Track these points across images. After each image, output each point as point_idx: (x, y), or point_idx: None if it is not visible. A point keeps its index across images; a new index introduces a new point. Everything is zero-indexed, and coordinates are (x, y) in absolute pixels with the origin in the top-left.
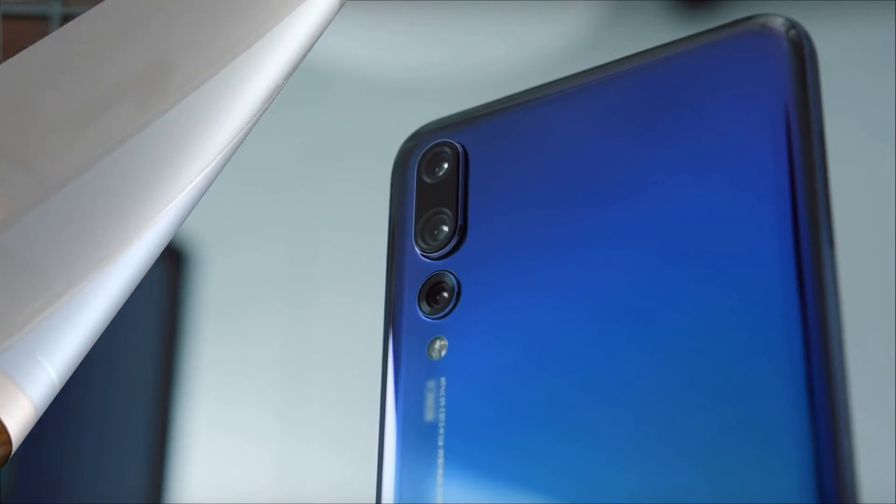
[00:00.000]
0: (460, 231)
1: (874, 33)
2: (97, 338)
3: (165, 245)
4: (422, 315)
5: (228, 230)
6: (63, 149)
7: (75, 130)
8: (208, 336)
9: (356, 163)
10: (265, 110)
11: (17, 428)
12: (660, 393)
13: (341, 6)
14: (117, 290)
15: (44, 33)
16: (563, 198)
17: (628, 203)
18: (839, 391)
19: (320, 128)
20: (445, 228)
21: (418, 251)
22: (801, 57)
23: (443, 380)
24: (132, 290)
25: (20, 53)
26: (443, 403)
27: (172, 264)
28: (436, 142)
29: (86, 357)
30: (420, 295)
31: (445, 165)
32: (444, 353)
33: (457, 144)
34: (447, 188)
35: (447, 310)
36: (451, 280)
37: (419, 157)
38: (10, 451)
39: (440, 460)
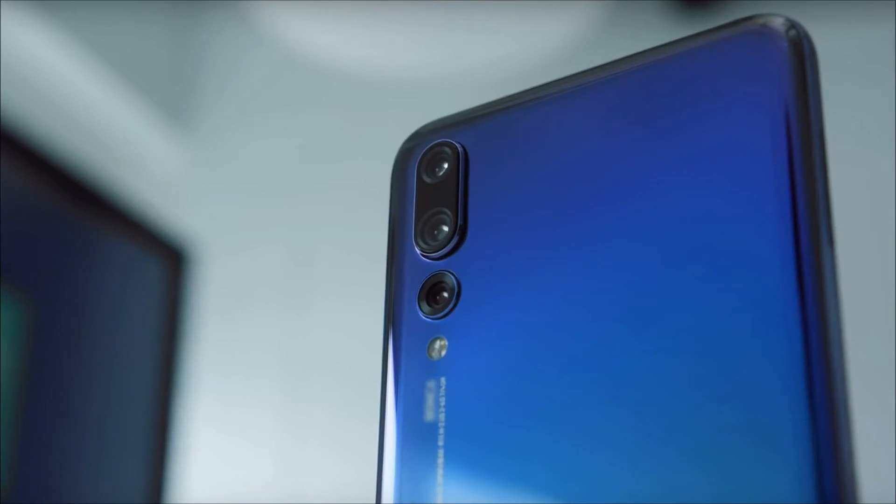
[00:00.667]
0: (460, 231)
1: (874, 33)
2: None
3: None
4: (422, 315)
5: (228, 230)
6: None
7: None
8: (208, 336)
9: (356, 162)
10: None
11: None
12: (660, 393)
13: None
14: None
15: None
16: (563, 198)
17: (629, 203)
18: (839, 391)
19: (320, 128)
20: (445, 228)
21: (418, 251)
22: (801, 57)
23: (443, 380)
24: None
25: None
26: (443, 403)
27: (172, 264)
28: (436, 142)
29: (86, 357)
30: (420, 295)
31: (445, 165)
32: (444, 353)
33: (457, 144)
34: (447, 188)
35: (447, 310)
36: (451, 280)
37: (419, 157)
38: None
39: (440, 460)
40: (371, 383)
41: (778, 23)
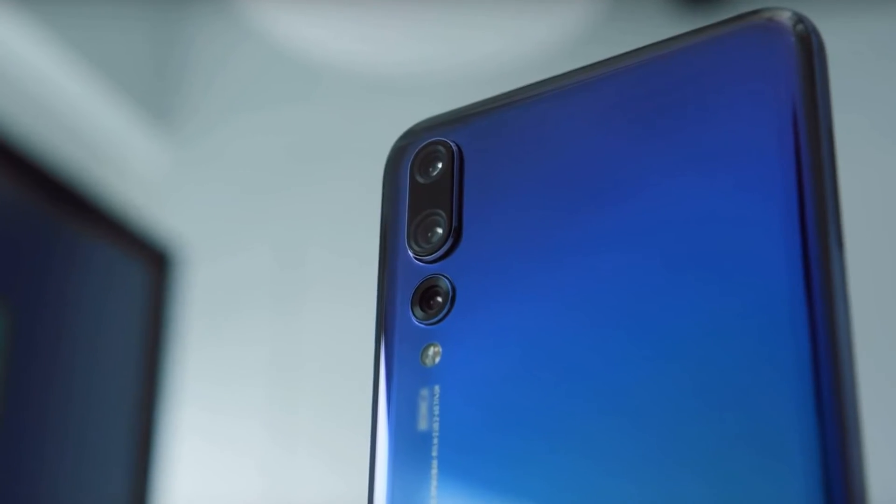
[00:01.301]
0: (455, 233)
1: (885, 28)
2: None
3: None
4: (415, 321)
5: (214, 232)
6: None
7: None
8: (193, 342)
9: (346, 162)
10: None
11: None
12: (662, 402)
13: None
14: None
15: None
16: (562, 199)
17: (629, 204)
18: (848, 399)
19: (309, 126)
20: (439, 230)
21: (411, 254)
22: (808, 52)
23: (437, 388)
24: None
25: None
26: (437, 412)
27: (155, 267)
28: (429, 140)
29: (66, 365)
30: (413, 300)
31: (439, 165)
32: (437, 360)
33: (451, 143)
34: (441, 188)
35: (441, 315)
36: (445, 284)
37: (412, 157)
38: None
39: (434, 471)
40: (362, 391)
41: (785, 17)
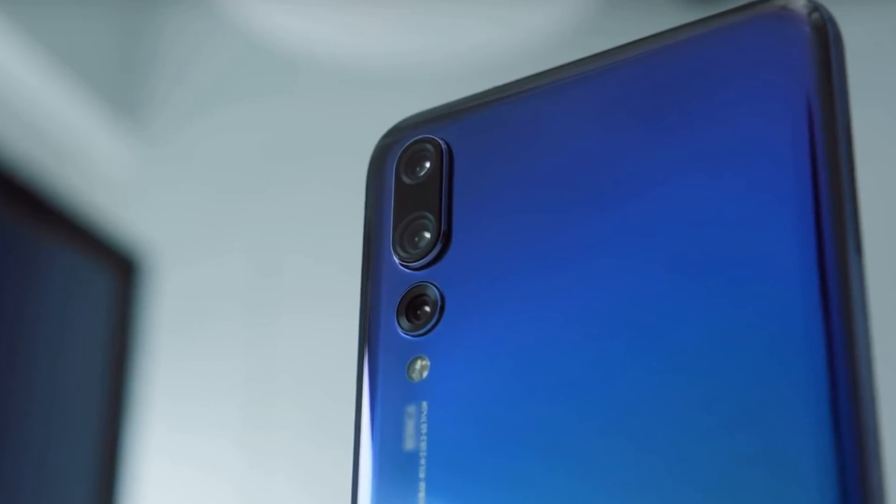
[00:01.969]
0: (444, 238)
1: None
2: None
3: None
4: (401, 332)
5: (184, 236)
6: None
7: None
8: (162, 354)
9: (327, 161)
10: None
11: None
12: (666, 420)
13: None
14: None
15: None
16: (558, 201)
17: (632, 206)
18: (867, 416)
19: (287, 122)
20: (427, 235)
21: (397, 260)
22: (824, 42)
23: (424, 404)
24: None
25: None
26: (424, 430)
27: (121, 274)
28: (417, 138)
29: (26, 377)
30: (399, 309)
31: (427, 164)
32: (425, 374)
33: (440, 141)
34: (429, 190)
35: (429, 326)
36: (433, 293)
37: (398, 156)
38: None
39: (421, 494)
40: (345, 408)
41: (799, 5)
